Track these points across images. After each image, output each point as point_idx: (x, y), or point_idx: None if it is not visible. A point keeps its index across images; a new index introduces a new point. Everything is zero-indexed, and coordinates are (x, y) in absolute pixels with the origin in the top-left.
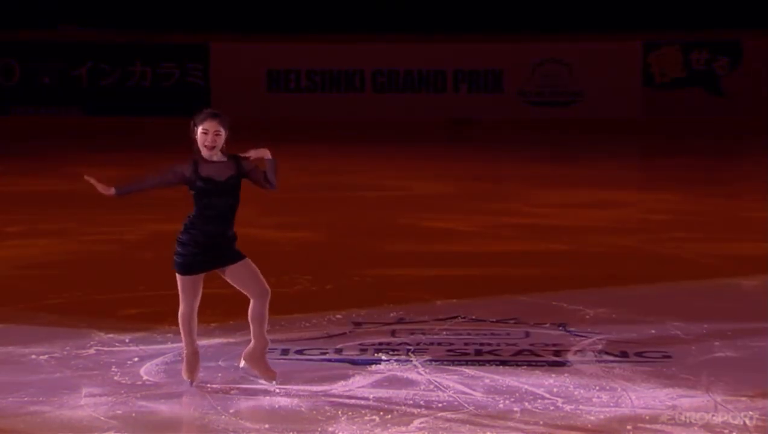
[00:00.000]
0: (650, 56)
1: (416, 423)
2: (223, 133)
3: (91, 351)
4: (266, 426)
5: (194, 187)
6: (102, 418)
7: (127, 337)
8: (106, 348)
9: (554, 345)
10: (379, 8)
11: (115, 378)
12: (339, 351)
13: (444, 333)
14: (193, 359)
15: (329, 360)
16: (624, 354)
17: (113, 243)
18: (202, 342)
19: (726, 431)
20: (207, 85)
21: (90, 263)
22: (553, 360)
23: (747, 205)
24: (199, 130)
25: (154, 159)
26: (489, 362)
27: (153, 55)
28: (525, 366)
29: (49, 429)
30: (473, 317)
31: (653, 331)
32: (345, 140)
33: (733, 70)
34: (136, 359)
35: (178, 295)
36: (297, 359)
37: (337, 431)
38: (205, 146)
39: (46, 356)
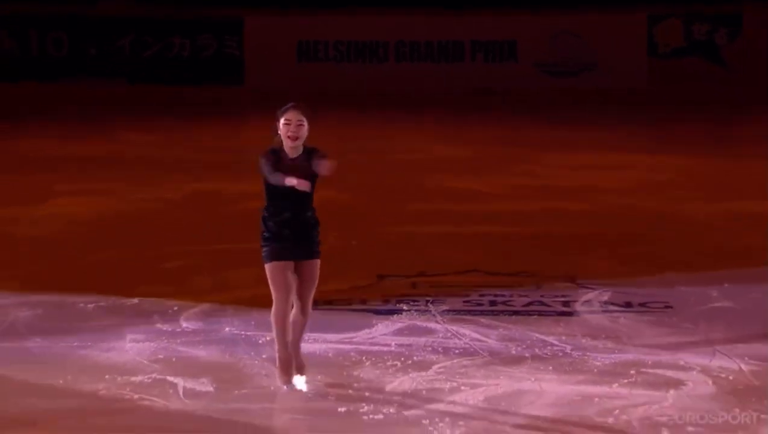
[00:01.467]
0: (655, 28)
1: (435, 368)
2: (305, 123)
3: (135, 300)
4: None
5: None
6: (145, 362)
7: (168, 288)
8: (149, 298)
9: (563, 296)
10: None
11: (157, 325)
12: (363, 301)
13: (461, 285)
14: (287, 361)
15: (354, 310)
16: (628, 305)
17: (156, 202)
18: (229, 294)
19: (723, 375)
20: (242, 56)
21: (134, 220)
22: (562, 310)
23: (748, 167)
24: (282, 121)
25: (193, 125)
26: (502, 312)
27: (192, 28)
28: (536, 316)
29: (97, 371)
30: (489, 271)
31: (656, 283)
32: (370, 107)
33: (733, 41)
34: (176, 308)
35: (215, 249)
36: (324, 309)
37: (361, 375)
38: (288, 137)
39: (93, 305)
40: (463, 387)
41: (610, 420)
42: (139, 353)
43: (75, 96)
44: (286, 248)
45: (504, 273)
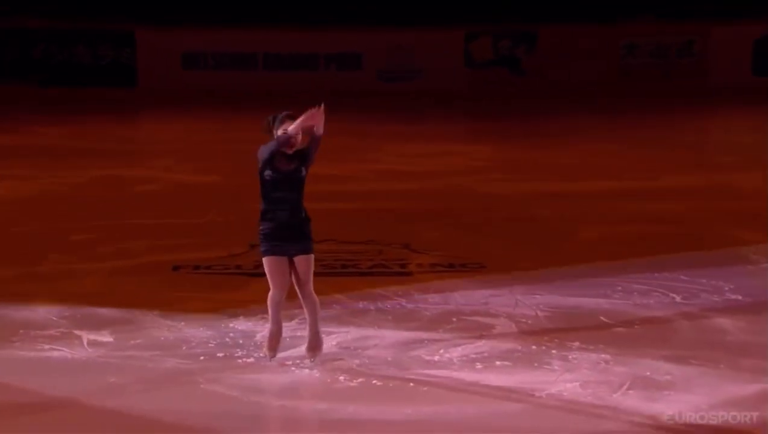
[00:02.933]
0: (470, 43)
1: (296, 320)
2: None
3: (46, 268)
4: (182, 323)
5: (263, 176)
6: (54, 318)
7: (75, 256)
8: (58, 266)
9: (400, 259)
10: (268, 3)
11: (66, 288)
12: (239, 266)
13: (319, 251)
14: (277, 334)
15: (231, 273)
16: (451, 265)
17: (63, 185)
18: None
19: (524, 320)
20: (135, 65)
21: (46, 200)
22: (399, 271)
23: (542, 155)
24: (280, 131)
25: (94, 121)
26: (351, 273)
27: (92, 39)
28: (378, 276)
29: (14, 327)
30: (341, 240)
31: (473, 247)
32: (242, 107)
33: (530, 54)
34: (82, 274)
35: (112, 225)
36: (205, 273)
37: (236, 327)
38: (292, 145)
39: (11, 273)
40: None
41: (436, 357)
42: (49, 311)
43: None
44: (282, 245)
45: (353, 241)
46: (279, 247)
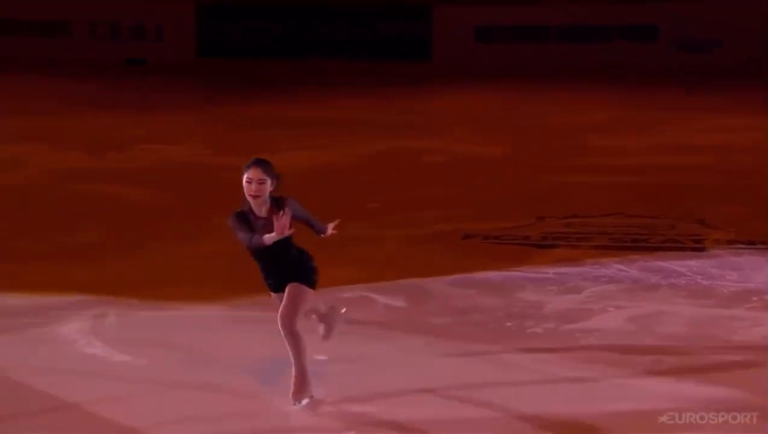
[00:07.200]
0: None
1: (586, 292)
2: (268, 181)
3: (341, 234)
4: (473, 291)
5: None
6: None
7: (369, 223)
8: (354, 232)
9: (694, 234)
10: None
11: (362, 254)
12: (527, 237)
13: (608, 225)
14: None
15: (520, 244)
16: (751, 242)
17: (356, 156)
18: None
19: None
20: (431, 39)
21: (340, 170)
22: (693, 246)
23: None
24: (244, 179)
25: (389, 93)
26: (642, 248)
27: (390, 15)
28: (671, 251)
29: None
30: (631, 214)
31: None
32: (533, 80)
33: None
34: (377, 240)
35: (402, 196)
36: (495, 243)
37: (525, 297)
38: (250, 195)
39: (311, 238)
40: (609, 309)
41: (735, 337)
42: (346, 277)
43: (304, 70)
44: (271, 285)
45: (643, 215)
46: (271, 286)
